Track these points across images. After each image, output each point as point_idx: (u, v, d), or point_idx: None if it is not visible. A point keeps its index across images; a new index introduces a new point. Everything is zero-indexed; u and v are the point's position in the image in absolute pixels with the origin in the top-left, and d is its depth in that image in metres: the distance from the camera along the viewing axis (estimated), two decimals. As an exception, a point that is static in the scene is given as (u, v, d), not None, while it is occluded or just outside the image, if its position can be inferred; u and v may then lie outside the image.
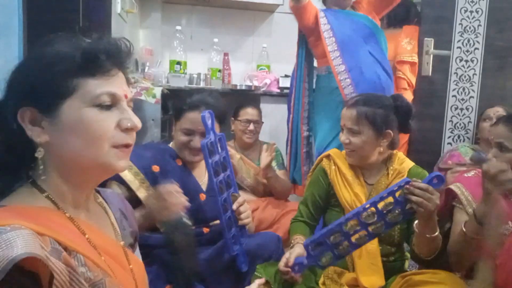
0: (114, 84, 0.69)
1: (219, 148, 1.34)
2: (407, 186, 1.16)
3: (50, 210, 0.67)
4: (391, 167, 1.45)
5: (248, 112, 2.29)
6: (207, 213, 1.44)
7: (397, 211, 1.19)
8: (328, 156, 1.53)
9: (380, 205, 1.19)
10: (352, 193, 1.41)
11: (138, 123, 0.71)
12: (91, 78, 0.67)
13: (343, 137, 1.44)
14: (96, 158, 0.67)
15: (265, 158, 2.06)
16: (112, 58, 0.69)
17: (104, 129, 0.67)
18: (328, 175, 1.49)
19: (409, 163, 1.47)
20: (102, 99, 0.67)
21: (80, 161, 0.68)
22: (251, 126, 2.26)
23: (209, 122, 1.31)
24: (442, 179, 1.16)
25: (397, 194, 1.18)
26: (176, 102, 1.54)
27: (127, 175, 1.34)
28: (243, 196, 1.44)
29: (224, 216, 1.31)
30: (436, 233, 1.21)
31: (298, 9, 2.07)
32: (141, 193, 1.35)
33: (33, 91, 0.65)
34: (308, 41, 2.23)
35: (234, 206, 1.35)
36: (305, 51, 2.26)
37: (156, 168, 1.40)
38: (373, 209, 1.18)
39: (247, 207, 1.40)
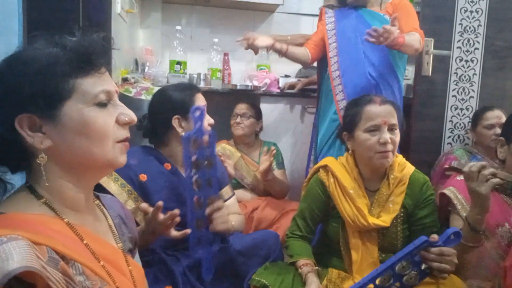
0: (106, 81, 0.70)
1: (204, 145, 1.26)
2: (423, 252, 1.10)
3: (47, 217, 0.66)
4: (392, 175, 1.40)
5: (237, 107, 2.41)
6: None
7: (414, 273, 1.13)
8: (324, 167, 1.46)
9: (398, 267, 1.11)
10: (354, 207, 1.36)
11: (134, 117, 0.73)
12: (87, 78, 0.67)
13: (385, 136, 1.31)
14: (104, 155, 0.69)
15: (264, 161, 2.08)
16: (101, 55, 0.70)
17: (107, 126, 0.69)
18: (327, 187, 1.43)
19: (409, 169, 1.43)
20: (100, 97, 0.68)
21: (88, 160, 0.69)
22: (238, 119, 2.34)
23: (198, 115, 1.24)
24: (459, 235, 1.10)
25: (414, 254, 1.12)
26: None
27: (112, 187, 1.28)
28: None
29: (193, 214, 1.23)
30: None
31: None
32: (130, 206, 1.30)
33: (32, 97, 0.64)
34: None
35: (207, 211, 1.26)
36: None
37: (143, 177, 1.34)
38: (390, 273, 1.11)
39: (223, 213, 1.31)
